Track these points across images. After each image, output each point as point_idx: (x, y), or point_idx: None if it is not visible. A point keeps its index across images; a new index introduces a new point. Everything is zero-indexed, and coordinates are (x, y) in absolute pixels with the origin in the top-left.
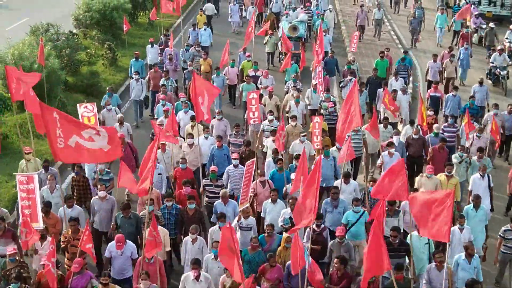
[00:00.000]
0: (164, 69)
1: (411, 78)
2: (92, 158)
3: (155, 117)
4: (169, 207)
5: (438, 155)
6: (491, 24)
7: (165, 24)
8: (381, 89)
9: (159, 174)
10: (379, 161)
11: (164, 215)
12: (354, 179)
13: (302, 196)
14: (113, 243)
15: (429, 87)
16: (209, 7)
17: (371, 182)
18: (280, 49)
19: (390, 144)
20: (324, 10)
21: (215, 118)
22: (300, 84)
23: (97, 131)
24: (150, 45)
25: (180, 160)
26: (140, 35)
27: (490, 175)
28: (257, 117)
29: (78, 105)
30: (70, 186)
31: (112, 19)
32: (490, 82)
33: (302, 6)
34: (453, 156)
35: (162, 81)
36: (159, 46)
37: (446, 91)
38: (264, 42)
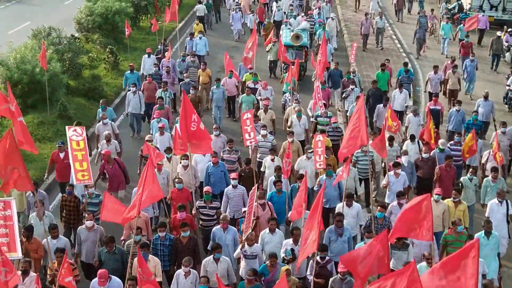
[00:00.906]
0: (163, 80)
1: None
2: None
3: (150, 133)
4: (162, 238)
5: (445, 174)
6: (498, 33)
7: (167, 28)
8: (381, 105)
9: None
10: (384, 181)
11: (157, 246)
12: (367, 204)
13: (305, 227)
14: (96, 279)
15: (430, 99)
16: (200, 8)
17: (379, 207)
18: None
19: (397, 165)
20: (326, 18)
21: (212, 134)
22: (298, 95)
23: None
24: (146, 55)
25: (176, 179)
26: (142, 39)
27: (509, 201)
28: (253, 138)
29: (67, 127)
30: (59, 206)
31: (114, 23)
32: (506, 107)
33: (303, 14)
34: (462, 179)
35: (159, 93)
36: (156, 55)
37: (451, 105)
38: (267, 50)
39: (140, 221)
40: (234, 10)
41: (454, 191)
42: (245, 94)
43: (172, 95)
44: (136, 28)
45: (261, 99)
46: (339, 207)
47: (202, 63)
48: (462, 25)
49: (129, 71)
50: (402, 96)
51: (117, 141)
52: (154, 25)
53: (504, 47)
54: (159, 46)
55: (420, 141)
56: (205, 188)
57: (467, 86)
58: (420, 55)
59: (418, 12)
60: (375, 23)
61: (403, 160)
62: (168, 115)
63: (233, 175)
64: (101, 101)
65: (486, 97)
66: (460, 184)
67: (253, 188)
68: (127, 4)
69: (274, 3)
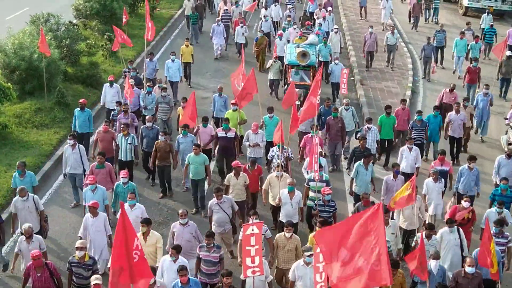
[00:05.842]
0: (119, 120)
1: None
2: None
3: (84, 203)
4: None
5: None
6: (508, 53)
7: (165, 15)
8: (390, 177)
9: None
10: None
11: None
12: None
13: None
14: None
15: (451, 146)
16: (188, 5)
17: None
18: (288, 79)
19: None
20: (331, 31)
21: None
22: (289, 150)
23: None
24: (108, 84)
25: None
26: (140, 26)
27: None
28: (257, 265)
29: None
30: None
31: (112, 10)
32: None
33: (295, 26)
34: None
35: (119, 138)
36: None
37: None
38: (267, 67)
39: None
40: (216, 22)
41: None
42: (192, 153)
43: (136, 141)
44: (134, 15)
45: (250, 145)
46: None
47: (182, 100)
48: (474, 42)
49: (78, 108)
50: (412, 155)
51: (43, 222)
52: (115, 43)
53: None
54: (124, 69)
55: (460, 230)
56: None
57: (478, 126)
58: (429, 76)
59: (439, 27)
60: (385, 39)
61: (432, 266)
62: (110, 177)
63: None
64: (18, 163)
65: (509, 155)
66: None
67: None
68: None
69: (263, 10)
